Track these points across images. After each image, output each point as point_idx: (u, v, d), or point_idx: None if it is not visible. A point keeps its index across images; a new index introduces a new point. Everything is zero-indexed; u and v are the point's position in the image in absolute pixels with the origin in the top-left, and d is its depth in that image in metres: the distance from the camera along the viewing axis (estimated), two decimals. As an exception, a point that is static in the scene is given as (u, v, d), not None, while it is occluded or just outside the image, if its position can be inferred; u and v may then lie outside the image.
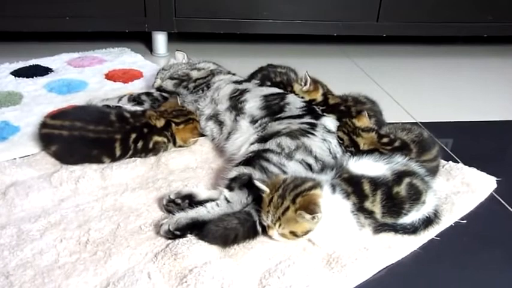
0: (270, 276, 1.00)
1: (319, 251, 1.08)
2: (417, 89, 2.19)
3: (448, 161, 1.48)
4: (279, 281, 0.99)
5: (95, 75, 2.03)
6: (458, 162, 1.49)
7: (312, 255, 1.07)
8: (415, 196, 1.10)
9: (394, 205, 1.09)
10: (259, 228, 1.09)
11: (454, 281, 1.07)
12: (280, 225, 1.02)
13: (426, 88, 2.20)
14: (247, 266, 1.03)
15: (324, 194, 1.04)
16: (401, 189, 1.09)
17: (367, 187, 1.08)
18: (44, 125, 1.40)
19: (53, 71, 2.07)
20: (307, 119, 1.35)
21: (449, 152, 1.57)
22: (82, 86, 1.92)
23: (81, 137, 1.34)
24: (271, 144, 1.25)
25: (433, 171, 1.33)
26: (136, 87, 1.94)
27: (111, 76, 2.03)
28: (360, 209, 1.08)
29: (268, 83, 1.66)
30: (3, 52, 2.27)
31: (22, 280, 0.97)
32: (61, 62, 2.17)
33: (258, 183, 1.05)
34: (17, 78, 1.97)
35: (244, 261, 1.04)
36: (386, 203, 1.08)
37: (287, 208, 1.00)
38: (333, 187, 1.07)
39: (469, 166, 1.46)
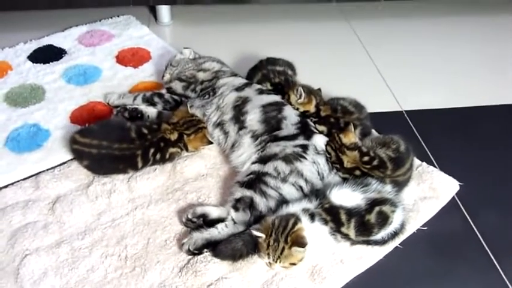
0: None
1: (305, 263, 1.38)
2: (410, 62, 2.31)
3: (422, 161, 1.71)
4: (274, 293, 1.32)
5: (106, 58, 2.19)
6: (431, 163, 1.71)
7: (299, 267, 1.38)
8: (383, 222, 1.38)
9: (366, 229, 1.37)
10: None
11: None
12: (280, 262, 1.31)
13: (420, 60, 2.32)
14: (250, 279, 1.35)
15: (304, 225, 1.32)
16: (372, 217, 1.36)
17: (343, 217, 1.35)
18: (74, 141, 1.63)
19: (66, 52, 2.22)
20: (300, 141, 1.57)
21: (426, 149, 1.79)
22: (97, 75, 2.09)
23: (108, 155, 1.58)
24: (269, 168, 1.50)
25: (406, 182, 1.58)
26: (146, 73, 2.11)
27: (121, 59, 2.18)
28: (337, 231, 1.37)
29: (268, 84, 1.84)
30: (13, 25, 2.38)
31: (83, 296, 1.31)
32: (72, 40, 2.30)
33: (255, 233, 1.31)
34: (35, 64, 2.13)
35: (249, 274, 1.36)
36: (359, 229, 1.36)
37: (283, 249, 1.28)
38: (312, 216, 1.35)
39: (441, 165, 1.69)
